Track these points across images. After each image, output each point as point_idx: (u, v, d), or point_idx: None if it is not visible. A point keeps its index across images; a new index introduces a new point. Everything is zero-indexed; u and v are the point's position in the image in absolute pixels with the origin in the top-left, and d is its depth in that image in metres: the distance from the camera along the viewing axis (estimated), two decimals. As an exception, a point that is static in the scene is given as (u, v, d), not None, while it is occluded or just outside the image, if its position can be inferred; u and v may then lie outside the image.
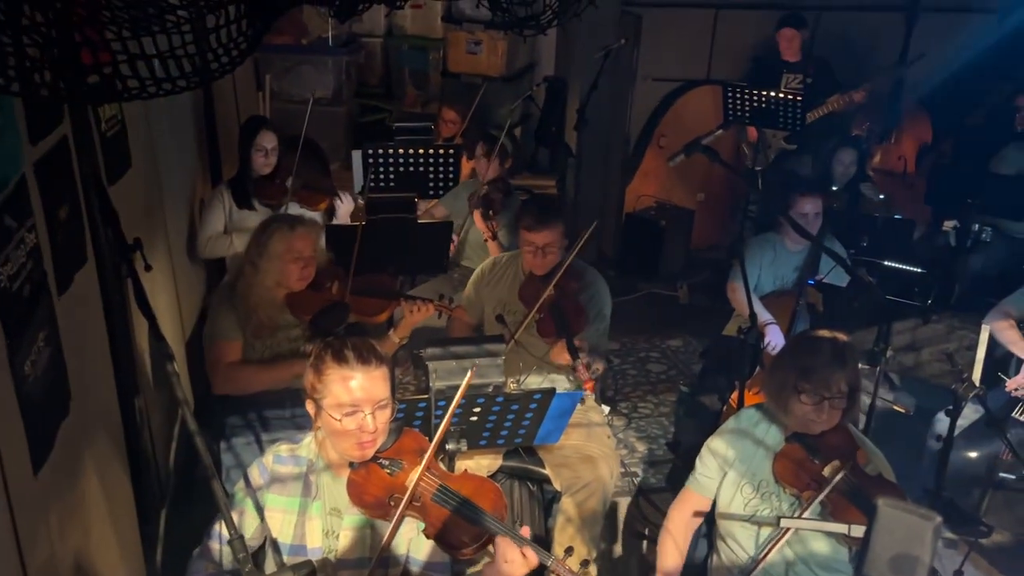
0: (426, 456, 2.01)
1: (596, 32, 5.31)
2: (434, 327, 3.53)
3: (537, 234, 3.29)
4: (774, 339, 3.58)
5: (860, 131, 5.73)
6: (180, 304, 3.64)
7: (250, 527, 2.08)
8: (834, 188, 4.98)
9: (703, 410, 4.19)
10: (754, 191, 5.16)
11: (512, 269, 3.52)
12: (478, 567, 2.16)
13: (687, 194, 6.40)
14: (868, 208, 5.09)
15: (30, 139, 2.02)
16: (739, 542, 2.52)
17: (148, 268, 2.46)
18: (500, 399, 2.60)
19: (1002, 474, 3.38)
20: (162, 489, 3.11)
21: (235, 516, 2.06)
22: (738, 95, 5.16)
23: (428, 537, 2.04)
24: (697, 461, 2.64)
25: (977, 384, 2.74)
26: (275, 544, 2.10)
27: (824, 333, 2.51)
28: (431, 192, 4.66)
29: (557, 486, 3.21)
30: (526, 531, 2.01)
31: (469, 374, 2.03)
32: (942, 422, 3.10)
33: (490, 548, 2.01)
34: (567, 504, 3.18)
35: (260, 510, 2.09)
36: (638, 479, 4.09)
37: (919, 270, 3.70)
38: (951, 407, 2.82)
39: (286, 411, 3.06)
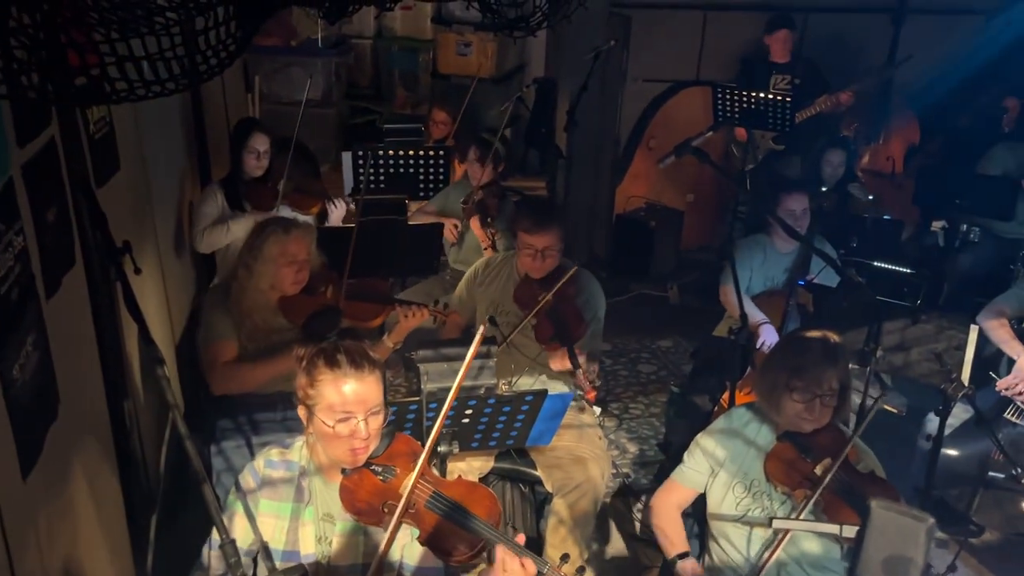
0: (419, 463, 1.99)
1: (586, 33, 5.31)
2: (426, 329, 3.51)
3: (536, 237, 3.27)
4: (769, 339, 3.59)
5: (849, 132, 5.76)
6: (170, 307, 3.62)
7: (246, 532, 2.07)
8: (823, 189, 5.00)
9: (694, 411, 4.18)
10: (743, 192, 5.18)
11: (506, 270, 3.49)
12: (473, 574, 2.15)
13: (677, 195, 6.42)
14: (857, 208, 5.11)
15: (18, 141, 2.00)
16: (731, 542, 2.53)
17: (137, 271, 2.44)
18: (492, 401, 2.60)
19: (992, 473, 3.39)
20: (152, 494, 3.09)
21: (229, 521, 2.05)
22: (727, 96, 5.17)
23: (422, 544, 2.03)
24: (686, 455, 2.65)
25: (966, 384, 2.75)
26: (266, 550, 2.08)
27: (814, 332, 2.52)
28: (421, 193, 4.65)
29: (549, 487, 3.20)
30: (521, 538, 2.00)
31: (462, 372, 2.01)
32: (932, 422, 3.11)
33: (484, 554, 2.01)
34: (559, 505, 3.18)
35: (253, 515, 2.08)
36: (629, 479, 4.09)
37: (908, 270, 3.71)
38: (941, 407, 2.83)
39: (277, 414, 3.05)
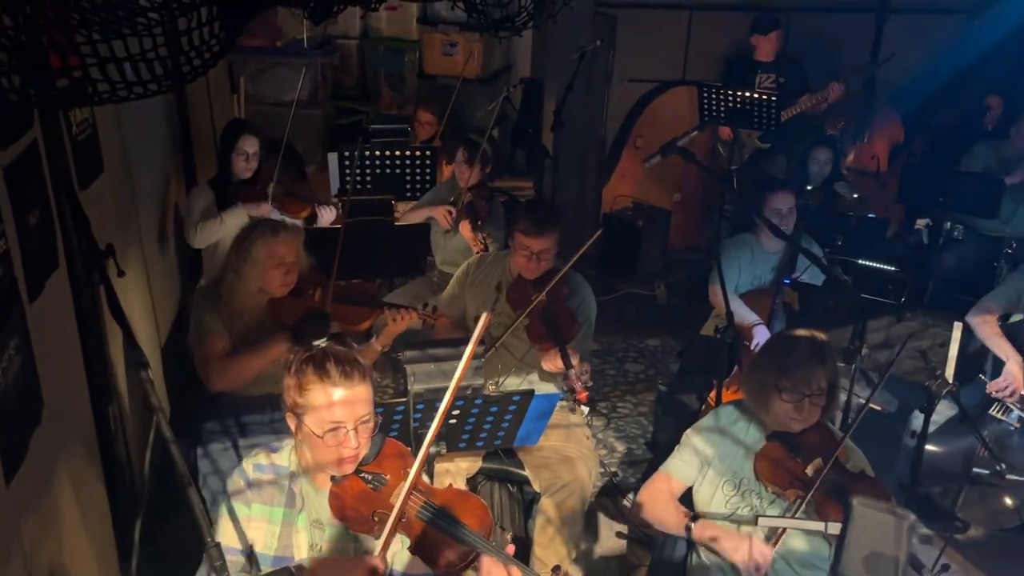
0: (411, 475, 1.95)
1: (571, 33, 5.32)
2: (414, 330, 3.50)
3: (535, 240, 3.26)
4: (762, 340, 3.59)
5: (834, 130, 5.79)
6: (155, 309, 3.60)
7: (239, 536, 2.03)
8: (809, 187, 5.03)
9: (681, 409, 4.20)
10: (729, 191, 5.20)
11: (498, 269, 3.48)
12: None
13: (664, 194, 6.43)
14: (843, 207, 5.14)
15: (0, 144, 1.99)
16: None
17: (121, 274, 2.43)
18: (479, 401, 2.60)
19: (976, 470, 3.42)
20: (137, 498, 3.07)
21: (219, 525, 2.02)
22: (713, 95, 5.19)
23: (412, 552, 2.01)
24: (676, 450, 2.64)
25: (951, 381, 2.77)
26: (251, 554, 2.04)
27: (802, 332, 2.53)
28: (408, 194, 4.64)
29: (536, 487, 3.20)
30: (511, 548, 1.99)
31: (463, 363, 1.93)
32: (917, 419, 3.12)
33: (475, 564, 1.99)
34: (547, 505, 3.18)
35: (246, 518, 2.04)
36: (618, 478, 4.10)
37: (893, 268, 3.74)
38: (925, 404, 2.85)
39: (264, 416, 3.04)
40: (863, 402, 2.40)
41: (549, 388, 3.35)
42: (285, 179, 4.07)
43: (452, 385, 1.90)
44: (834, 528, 2.23)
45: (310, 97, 5.69)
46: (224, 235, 3.82)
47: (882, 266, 3.70)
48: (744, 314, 3.76)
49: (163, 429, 1.77)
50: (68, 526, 2.35)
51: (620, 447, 4.37)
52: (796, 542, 2.44)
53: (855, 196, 5.09)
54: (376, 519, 1.99)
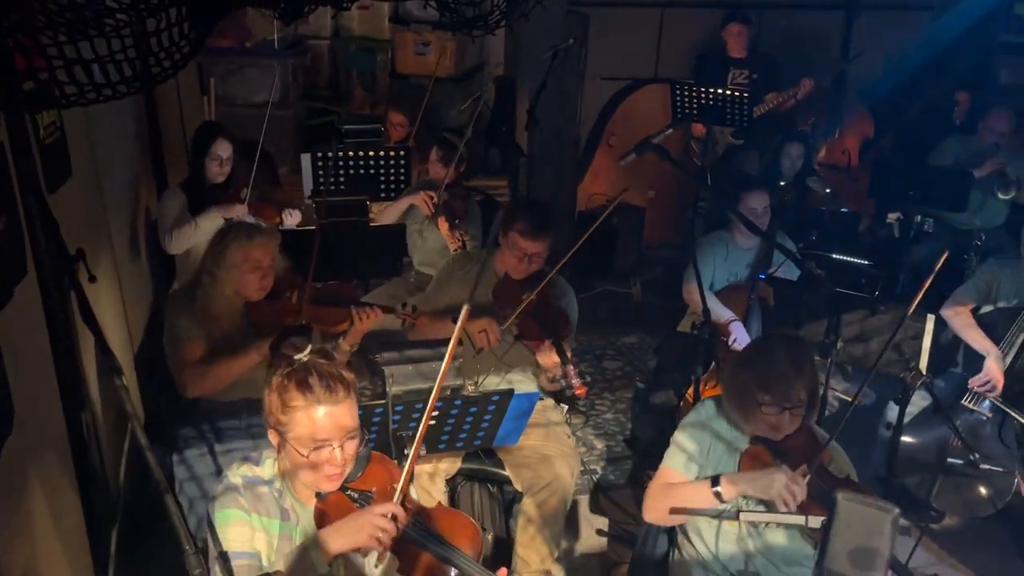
0: (398, 492, 1.93)
1: (544, 32, 5.31)
2: (391, 331, 3.49)
3: (531, 243, 3.24)
4: (740, 337, 3.61)
5: (805, 126, 5.84)
6: (127, 315, 3.55)
7: (253, 541, 1.97)
8: (782, 183, 5.07)
9: (659, 406, 4.22)
10: (703, 188, 5.23)
11: (483, 268, 3.43)
12: None
13: (638, 192, 6.45)
14: (815, 202, 5.18)
15: (-36, 148, 1.95)
16: (701, 537, 2.54)
17: (92, 279, 2.39)
18: (458, 402, 2.59)
19: (951, 460, 3.46)
20: (113, 506, 3.03)
21: (236, 532, 1.94)
22: (686, 92, 5.21)
23: (400, 573, 1.98)
24: (671, 448, 2.59)
25: (924, 373, 2.80)
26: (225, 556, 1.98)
27: (779, 340, 2.50)
28: (383, 195, 4.62)
29: (518, 486, 3.20)
30: (503, 572, 1.96)
31: (448, 355, 1.91)
32: (892, 410, 3.16)
33: None
34: (528, 504, 3.18)
35: (250, 528, 1.97)
36: (598, 476, 4.11)
37: (866, 262, 3.78)
38: (900, 396, 2.88)
39: (241, 421, 3.01)
40: (846, 399, 2.42)
41: (529, 387, 3.34)
42: (259, 182, 4.03)
43: (437, 382, 1.89)
44: (814, 522, 2.23)
45: (281, 98, 5.64)
46: (199, 240, 3.78)
47: (855, 260, 3.74)
48: (719, 311, 3.78)
49: (138, 436, 1.74)
50: (41, 536, 2.31)
51: (599, 444, 4.38)
52: (780, 540, 2.44)
53: (827, 191, 5.14)
54: None
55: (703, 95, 5.16)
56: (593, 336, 5.40)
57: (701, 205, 5.60)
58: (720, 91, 5.16)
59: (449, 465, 3.21)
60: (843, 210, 4.98)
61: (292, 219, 4.15)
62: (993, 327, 3.57)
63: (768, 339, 2.63)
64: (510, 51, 6.22)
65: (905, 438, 3.40)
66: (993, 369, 3.48)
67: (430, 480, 3.13)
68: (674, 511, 2.47)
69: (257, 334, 2.94)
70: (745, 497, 2.44)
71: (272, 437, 2.01)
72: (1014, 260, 3.72)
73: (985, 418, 3.50)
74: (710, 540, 2.50)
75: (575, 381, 3.03)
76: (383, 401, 2.44)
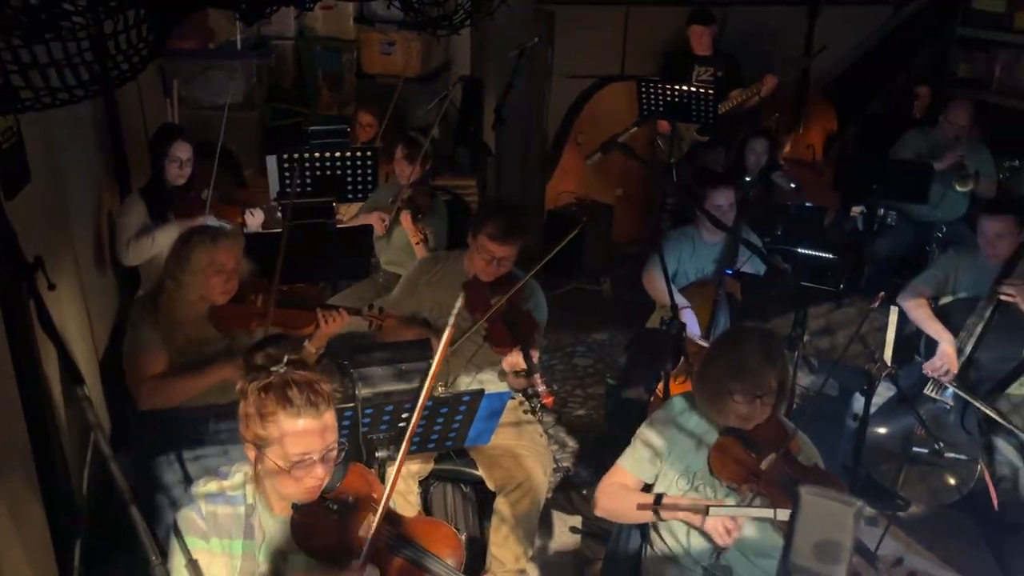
0: (381, 508, 1.91)
1: (510, 31, 5.32)
2: (360, 333, 3.47)
3: (501, 246, 3.23)
4: (690, 324, 3.66)
5: (770, 122, 5.90)
6: (91, 322, 3.49)
7: (221, 571, 1.93)
8: (748, 178, 5.11)
9: (630, 402, 4.24)
10: (669, 185, 5.26)
11: (451, 270, 3.45)
12: None
13: (606, 189, 6.48)
14: (781, 197, 5.24)
15: (-83, 155, 1.90)
16: (673, 533, 2.55)
17: (51, 287, 2.34)
18: (429, 403, 2.57)
19: (916, 449, 3.52)
20: (78, 518, 2.97)
21: (180, 567, 1.89)
22: (652, 90, 5.24)
23: None
24: (631, 445, 2.63)
25: (888, 364, 2.85)
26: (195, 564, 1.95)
27: (750, 331, 2.53)
28: (350, 195, 4.59)
29: (490, 486, 3.20)
30: None
31: (434, 366, 1.91)
32: (859, 401, 3.21)
33: None
34: (501, 504, 3.18)
35: (207, 556, 1.93)
36: (570, 473, 4.12)
37: (830, 256, 3.83)
38: (866, 387, 2.93)
39: (208, 427, 2.97)
40: (805, 390, 2.45)
41: (500, 387, 3.34)
42: (222, 184, 3.99)
43: (420, 399, 1.87)
44: (783, 515, 2.26)
45: (246, 99, 5.57)
46: (156, 253, 3.74)
47: (820, 253, 3.79)
48: (666, 298, 3.84)
49: (101, 446, 1.71)
50: (5, 548, 2.26)
51: (571, 442, 4.39)
52: (751, 532, 2.46)
53: (792, 186, 5.20)
54: (342, 550, 1.92)
55: (669, 92, 5.19)
56: (564, 334, 5.41)
57: (668, 202, 5.64)
58: (685, 88, 5.19)
59: (421, 467, 3.21)
60: (807, 205, 5.04)
61: (255, 219, 4.12)
62: (953, 317, 3.64)
63: (739, 330, 2.66)
64: (476, 50, 6.20)
65: (871, 428, 3.44)
66: (947, 354, 3.55)
67: (403, 483, 3.12)
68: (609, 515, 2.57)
69: (221, 340, 2.91)
70: (716, 493, 2.47)
71: (248, 451, 1.95)
72: (972, 251, 3.79)
73: (948, 407, 3.57)
74: (681, 535, 2.52)
75: (541, 389, 3.03)
76: (352, 404, 2.42)
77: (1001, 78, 6.51)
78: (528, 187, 6.29)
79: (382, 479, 2.46)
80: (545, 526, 3.66)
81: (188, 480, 2.88)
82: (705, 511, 2.31)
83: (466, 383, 3.34)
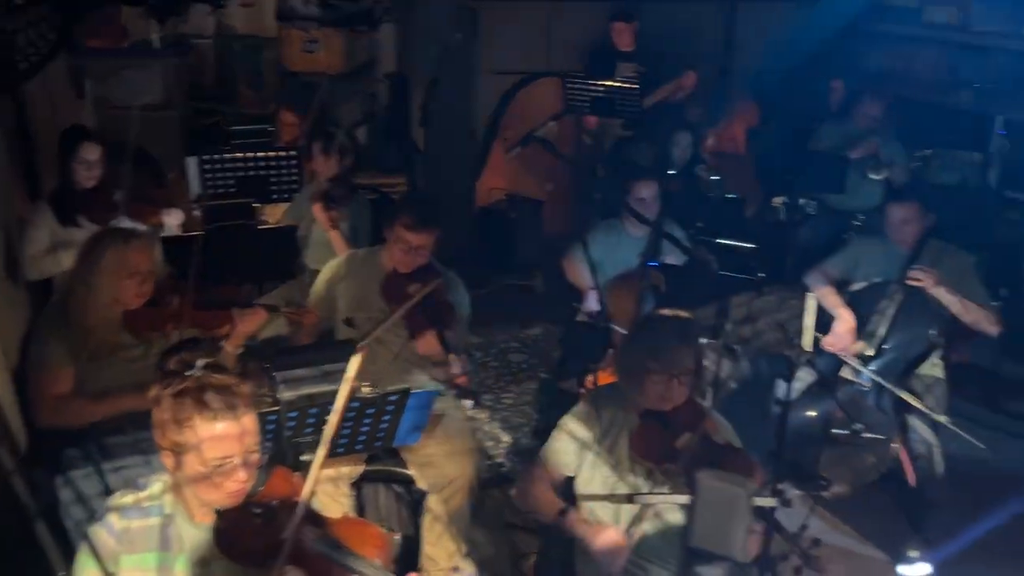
0: (298, 510, 1.89)
1: (433, 28, 5.31)
2: (283, 336, 3.42)
3: (416, 235, 3.26)
4: (591, 303, 3.73)
5: (694, 116, 6.01)
6: (2, 329, 3.36)
7: None
8: (672, 172, 5.20)
9: (564, 395, 4.26)
10: (596, 179, 5.32)
11: (370, 265, 3.45)
12: None
13: (536, 185, 6.51)
14: (704, 189, 5.34)
15: None
16: (601, 520, 2.58)
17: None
18: (355, 404, 2.55)
19: (836, 431, 3.63)
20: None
21: None
22: (577, 86, 5.29)
23: None
24: (551, 438, 2.68)
25: (807, 349, 2.93)
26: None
27: (667, 313, 2.62)
28: (274, 196, 4.51)
29: (422, 485, 3.19)
30: None
31: (356, 361, 1.91)
32: (781, 387, 3.29)
33: None
34: (434, 502, 3.17)
35: None
36: (505, 469, 4.13)
37: (751, 245, 3.93)
38: (786, 373, 3.00)
39: (128, 437, 2.88)
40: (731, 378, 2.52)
41: (429, 385, 3.33)
42: (139, 185, 3.89)
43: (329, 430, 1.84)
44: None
45: (164, 99, 5.44)
46: (58, 271, 3.63)
47: (741, 244, 3.89)
48: (582, 280, 3.97)
49: (4, 460, 1.65)
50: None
51: (506, 437, 4.41)
52: (674, 516, 2.51)
53: (715, 178, 5.31)
54: (267, 553, 1.88)
55: (593, 88, 5.25)
56: (497, 330, 5.43)
57: (597, 196, 5.69)
58: (610, 84, 5.26)
59: (353, 469, 3.17)
60: (729, 196, 5.16)
61: (173, 219, 4.03)
62: (866, 301, 3.75)
63: (655, 315, 2.74)
64: (401, 47, 6.17)
65: (794, 413, 3.53)
66: (841, 328, 3.66)
67: (334, 485, 3.09)
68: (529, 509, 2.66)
69: (136, 346, 2.84)
70: (637, 477, 2.52)
71: (165, 458, 1.90)
72: (881, 237, 3.93)
73: (865, 389, 3.69)
74: (607, 521, 2.56)
75: (457, 369, 3.06)
76: (276, 408, 2.38)
77: (911, 71, 6.76)
78: (457, 184, 6.27)
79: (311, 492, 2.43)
80: (480, 522, 3.66)
81: (109, 493, 2.79)
82: (629, 499, 2.35)
83: (394, 382, 3.32)
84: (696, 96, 5.93)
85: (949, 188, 5.36)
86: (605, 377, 3.43)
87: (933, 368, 3.78)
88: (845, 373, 3.66)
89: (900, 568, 3.26)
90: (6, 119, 3.94)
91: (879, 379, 3.56)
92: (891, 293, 3.67)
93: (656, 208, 3.94)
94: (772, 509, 2.43)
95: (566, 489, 2.73)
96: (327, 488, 3.04)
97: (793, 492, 3.61)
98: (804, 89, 6.72)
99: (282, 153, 4.45)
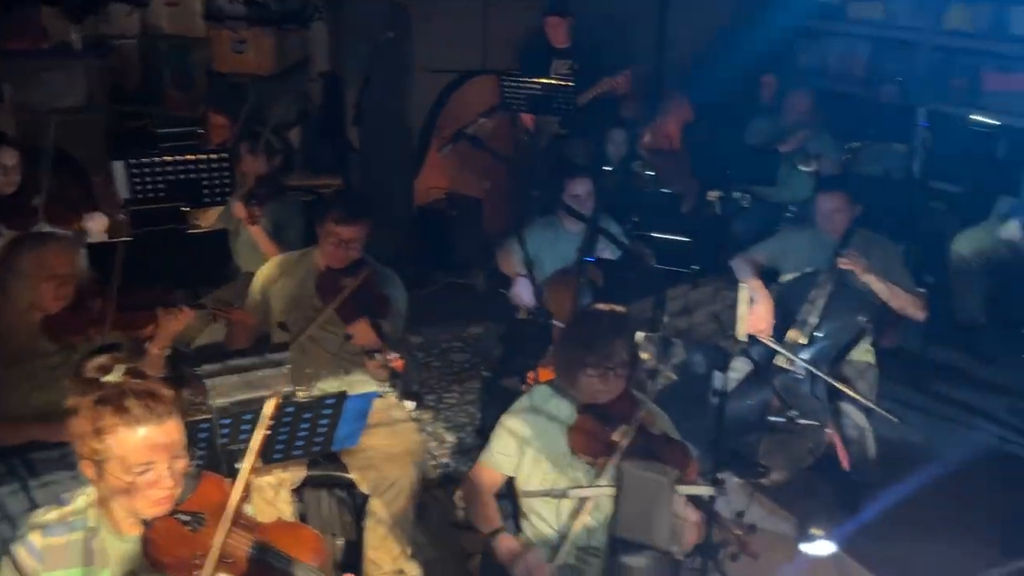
0: (229, 513, 1.85)
1: (366, 25, 5.25)
2: (218, 343, 3.35)
3: (346, 228, 3.25)
4: (522, 291, 3.84)
5: (629, 113, 6.06)
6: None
7: None
8: (608, 168, 5.24)
9: (506, 393, 4.26)
10: (533, 177, 5.34)
11: (303, 265, 3.43)
12: None
13: (474, 183, 6.48)
14: (640, 185, 5.40)
15: None
16: (542, 517, 2.60)
17: None
18: (290, 409, 2.51)
19: (773, 418, 3.70)
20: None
21: None
22: (512, 83, 5.29)
23: None
24: (493, 438, 2.69)
25: (742, 339, 2.98)
26: None
27: (602, 307, 2.64)
28: (206, 199, 4.40)
29: (364, 488, 3.16)
30: None
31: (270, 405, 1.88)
32: (719, 378, 3.34)
33: None
34: (376, 505, 3.14)
35: None
36: (449, 469, 4.11)
37: (685, 239, 3.99)
38: (723, 363, 3.05)
39: (54, 451, 2.78)
40: (657, 372, 2.56)
41: (368, 387, 3.30)
42: (58, 190, 3.77)
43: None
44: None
45: (88, 101, 5.27)
46: None
47: (675, 237, 3.95)
48: (512, 268, 4.03)
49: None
50: None
51: (450, 437, 4.39)
52: (612, 507, 2.53)
53: (650, 174, 5.36)
54: (197, 563, 1.83)
55: (529, 85, 5.25)
56: (439, 330, 5.39)
57: (535, 193, 5.71)
58: (546, 81, 5.27)
59: (294, 474, 3.11)
60: (664, 191, 5.22)
61: (96, 224, 3.92)
62: (798, 291, 3.83)
63: (591, 309, 2.77)
64: (334, 46, 6.09)
65: (732, 403, 3.59)
66: (760, 309, 3.75)
67: (274, 492, 3.02)
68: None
69: (56, 353, 2.74)
70: (576, 471, 2.53)
71: (86, 468, 1.84)
72: (811, 227, 4.03)
73: (800, 376, 3.77)
74: (551, 519, 2.58)
75: (391, 355, 3.08)
76: (208, 416, 2.32)
77: (838, 65, 6.94)
78: (394, 183, 6.22)
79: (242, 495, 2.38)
80: (424, 523, 3.64)
81: (36, 509, 2.70)
82: (564, 492, 2.37)
83: (335, 385, 3.28)
84: (631, 93, 5.98)
85: (877, 179, 5.50)
86: (546, 373, 3.44)
87: (864, 354, 3.88)
88: (780, 362, 3.73)
89: (803, 546, 3.35)
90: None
91: (811, 367, 3.64)
92: (821, 282, 3.76)
93: (591, 204, 3.97)
94: (712, 499, 2.47)
95: (508, 489, 2.74)
96: (267, 495, 2.98)
97: (733, 480, 3.71)
98: (737, 84, 6.85)
99: (212, 155, 4.34)
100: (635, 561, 1.42)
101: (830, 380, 3.62)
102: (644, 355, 3.29)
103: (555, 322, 3.57)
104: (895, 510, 3.64)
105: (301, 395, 3.10)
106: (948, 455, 4.16)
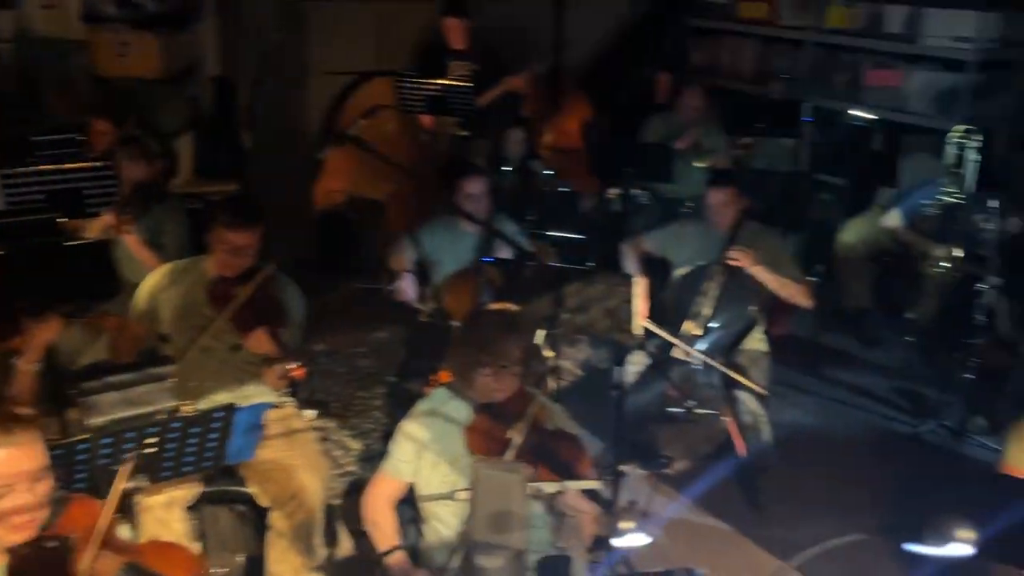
0: (97, 536, 1.79)
1: (256, 27, 5.12)
2: (100, 360, 3.21)
3: (237, 234, 3.15)
4: (407, 288, 3.91)
5: (527, 112, 6.09)
6: None
7: None
8: (507, 168, 5.27)
9: (410, 397, 4.23)
10: (433, 178, 5.31)
11: (193, 274, 3.32)
12: None
13: (375, 185, 6.40)
14: (538, 184, 5.45)
15: None
16: (442, 520, 2.59)
17: None
18: (176, 424, 2.42)
19: (672, 409, 3.79)
20: None
21: None
22: (410, 85, 5.25)
23: None
24: (392, 445, 2.67)
25: (637, 333, 3.04)
26: None
27: (495, 306, 2.65)
28: (91, 210, 4.21)
29: (263, 502, 3.08)
30: None
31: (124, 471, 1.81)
32: (616, 372, 3.39)
33: None
34: (277, 518, 3.07)
35: None
36: (356, 477, 4.05)
37: (580, 236, 4.05)
38: (619, 357, 3.10)
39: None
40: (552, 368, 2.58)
41: (264, 397, 3.22)
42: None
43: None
44: (549, 487, 2.35)
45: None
46: None
47: (571, 235, 4.01)
48: (400, 264, 4.08)
49: None
50: None
51: (356, 444, 4.33)
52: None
53: (548, 172, 5.42)
54: None
55: (426, 87, 5.22)
56: (344, 336, 5.31)
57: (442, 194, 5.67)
58: (443, 83, 5.25)
59: (187, 491, 3.02)
60: (561, 189, 5.28)
61: None
62: (691, 284, 3.93)
63: (483, 309, 2.79)
64: (225, 49, 5.92)
65: (633, 395, 3.66)
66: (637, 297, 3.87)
67: (166, 511, 2.93)
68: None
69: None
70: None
71: None
72: (702, 221, 4.15)
73: (697, 367, 3.86)
74: (449, 520, 2.57)
75: (292, 364, 3.05)
76: (86, 436, 2.22)
77: (730, 63, 7.16)
78: (294, 188, 6.09)
79: (128, 510, 2.29)
80: (330, 533, 3.58)
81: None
82: (452, 494, 2.36)
83: (228, 398, 3.18)
84: (530, 93, 6.01)
85: (768, 173, 5.70)
86: (447, 376, 3.43)
87: (757, 342, 4.01)
88: (677, 353, 3.82)
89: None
90: None
91: (706, 357, 3.74)
92: (713, 275, 3.86)
93: (486, 204, 3.98)
94: (610, 492, 2.51)
95: (410, 494, 2.72)
96: (158, 514, 2.89)
97: (637, 472, 3.78)
98: (634, 82, 6.99)
99: (94, 164, 4.17)
100: (490, 563, 1.42)
101: (725, 369, 3.72)
102: (547, 353, 3.34)
103: (455, 323, 3.56)
104: (784, 488, 3.77)
105: (187, 410, 3.00)
106: (838, 435, 4.35)
